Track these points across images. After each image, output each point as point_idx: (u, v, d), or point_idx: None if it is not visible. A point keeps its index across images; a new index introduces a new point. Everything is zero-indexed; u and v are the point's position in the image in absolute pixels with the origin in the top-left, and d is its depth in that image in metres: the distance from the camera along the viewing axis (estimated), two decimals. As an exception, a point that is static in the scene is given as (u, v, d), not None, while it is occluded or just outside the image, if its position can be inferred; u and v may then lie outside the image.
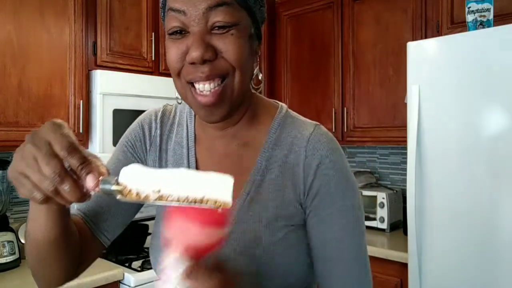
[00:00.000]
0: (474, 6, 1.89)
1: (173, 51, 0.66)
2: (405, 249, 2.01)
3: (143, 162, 0.81)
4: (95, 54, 2.11)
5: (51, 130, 0.47)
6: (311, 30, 2.80)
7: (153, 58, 2.32)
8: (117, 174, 0.77)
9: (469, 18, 1.90)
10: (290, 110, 0.79)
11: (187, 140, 0.78)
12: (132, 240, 2.16)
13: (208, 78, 0.64)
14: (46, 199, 0.47)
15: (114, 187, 0.46)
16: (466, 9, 1.92)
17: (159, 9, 2.33)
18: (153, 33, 2.31)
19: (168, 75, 2.36)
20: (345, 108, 2.63)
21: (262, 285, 0.68)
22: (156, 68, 2.35)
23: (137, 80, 2.19)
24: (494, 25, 1.84)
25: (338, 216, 0.70)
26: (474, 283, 1.73)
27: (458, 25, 2.13)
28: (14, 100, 1.84)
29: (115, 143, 2.09)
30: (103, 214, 0.76)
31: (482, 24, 1.87)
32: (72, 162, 0.46)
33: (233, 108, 0.69)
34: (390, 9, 2.43)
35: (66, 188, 0.46)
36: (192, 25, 0.63)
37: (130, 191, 0.46)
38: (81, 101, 2.03)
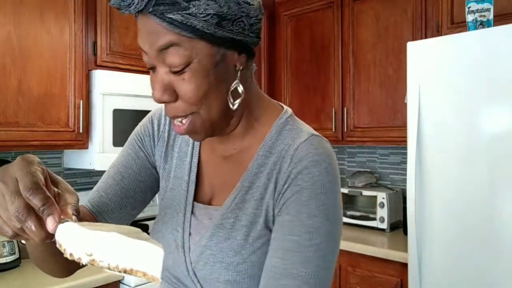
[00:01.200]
0: (474, 6, 1.89)
1: (151, 87, 0.66)
2: (405, 249, 2.01)
3: (151, 156, 0.82)
4: (95, 54, 2.11)
5: (19, 167, 0.48)
6: (311, 30, 2.80)
7: (153, 58, 2.32)
8: (127, 167, 0.80)
9: (469, 18, 1.90)
10: (293, 116, 0.77)
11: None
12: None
13: (174, 118, 0.65)
14: (15, 235, 0.48)
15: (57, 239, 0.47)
16: (466, 9, 1.92)
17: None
18: (153, 33, 2.31)
19: (168, 75, 2.36)
20: (345, 108, 2.63)
21: None
22: (156, 68, 2.35)
23: (137, 80, 2.19)
24: (494, 25, 1.84)
25: (296, 229, 0.65)
26: (474, 283, 1.73)
27: (458, 25, 2.13)
28: (14, 100, 1.84)
29: (115, 143, 2.09)
30: (111, 206, 0.77)
31: (482, 24, 1.87)
32: (33, 203, 0.46)
33: (213, 131, 0.69)
34: (390, 9, 2.43)
35: (29, 227, 0.46)
36: (154, 64, 0.63)
37: (64, 250, 0.46)
38: (81, 101, 2.03)
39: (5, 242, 1.89)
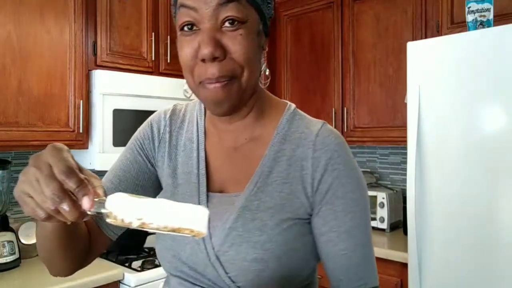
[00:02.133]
0: (474, 6, 1.89)
1: (186, 49, 0.68)
2: (405, 249, 2.01)
3: (151, 159, 0.84)
4: (95, 54, 2.11)
5: (51, 153, 0.51)
6: (311, 30, 2.80)
7: (153, 58, 2.32)
8: (126, 171, 0.81)
9: (469, 18, 1.90)
10: (298, 109, 0.82)
11: (197, 135, 0.81)
12: (132, 240, 2.16)
13: (218, 79, 0.66)
14: (48, 217, 0.51)
15: (104, 210, 0.51)
16: (466, 9, 1.92)
17: (159, 9, 2.35)
18: (153, 33, 2.31)
19: (168, 75, 2.36)
20: (345, 108, 2.63)
21: (264, 274, 0.69)
22: (156, 68, 2.35)
23: (137, 80, 2.19)
24: (494, 25, 1.84)
25: (350, 206, 0.73)
26: (474, 283, 1.73)
27: (458, 25, 2.13)
28: (14, 100, 1.84)
29: (115, 143, 2.09)
30: None
31: (482, 24, 1.87)
32: (69, 185, 0.49)
33: (242, 102, 0.72)
34: (390, 9, 2.43)
35: (65, 208, 0.49)
36: (203, 22, 0.65)
37: (115, 216, 0.50)
38: (81, 101, 2.03)
39: (5, 242, 1.88)
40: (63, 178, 0.49)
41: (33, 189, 0.49)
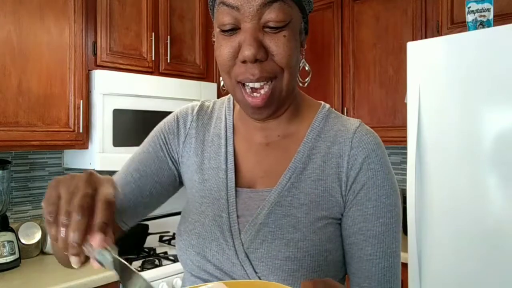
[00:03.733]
0: (474, 6, 1.89)
1: (224, 48, 0.65)
2: (405, 249, 2.01)
3: (174, 155, 0.81)
4: (95, 54, 2.11)
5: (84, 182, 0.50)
6: (311, 30, 2.79)
7: (153, 58, 2.32)
8: (146, 166, 0.79)
9: (469, 18, 1.90)
10: (333, 109, 0.80)
11: (225, 131, 0.79)
12: (132, 240, 2.16)
13: (258, 80, 0.64)
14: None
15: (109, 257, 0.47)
16: (466, 9, 1.92)
17: (159, 9, 2.35)
18: (153, 33, 2.31)
19: (168, 75, 2.36)
20: (345, 108, 2.63)
21: (298, 274, 0.67)
22: (156, 68, 2.35)
23: (137, 80, 2.19)
24: (494, 25, 1.84)
25: (382, 211, 0.69)
26: (474, 283, 1.73)
27: (458, 25, 2.13)
28: (14, 100, 1.84)
29: (115, 143, 2.08)
30: (125, 203, 0.77)
31: (482, 24, 1.87)
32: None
33: (281, 106, 0.71)
34: (390, 9, 2.43)
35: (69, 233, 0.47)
36: (245, 21, 0.63)
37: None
38: (81, 101, 2.03)
39: (5, 242, 1.88)
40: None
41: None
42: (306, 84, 0.74)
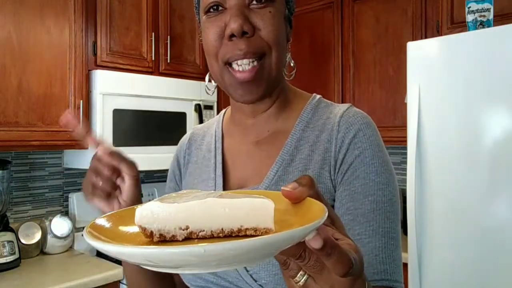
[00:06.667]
0: (474, 6, 1.89)
1: (211, 30, 0.66)
2: (405, 249, 2.01)
3: (182, 186, 0.87)
4: (95, 54, 2.11)
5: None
6: (311, 30, 2.80)
7: (153, 58, 2.32)
8: None
9: (469, 18, 1.90)
10: (324, 98, 0.78)
11: (215, 142, 0.80)
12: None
13: (246, 55, 0.64)
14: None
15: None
16: (466, 9, 1.92)
17: (159, 9, 2.35)
18: (153, 33, 2.31)
19: (168, 75, 2.36)
20: (345, 108, 2.63)
21: None
22: (156, 68, 2.35)
23: (137, 80, 2.19)
24: (494, 25, 1.84)
25: (371, 189, 0.65)
26: (474, 283, 1.73)
27: (458, 25, 2.13)
28: (14, 100, 1.84)
29: (115, 143, 2.09)
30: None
31: (482, 24, 1.87)
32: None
33: (270, 87, 0.70)
34: (390, 9, 2.43)
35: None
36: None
37: (151, 233, 0.39)
38: (81, 101, 2.03)
39: (5, 242, 1.89)
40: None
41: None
42: (291, 77, 0.75)
